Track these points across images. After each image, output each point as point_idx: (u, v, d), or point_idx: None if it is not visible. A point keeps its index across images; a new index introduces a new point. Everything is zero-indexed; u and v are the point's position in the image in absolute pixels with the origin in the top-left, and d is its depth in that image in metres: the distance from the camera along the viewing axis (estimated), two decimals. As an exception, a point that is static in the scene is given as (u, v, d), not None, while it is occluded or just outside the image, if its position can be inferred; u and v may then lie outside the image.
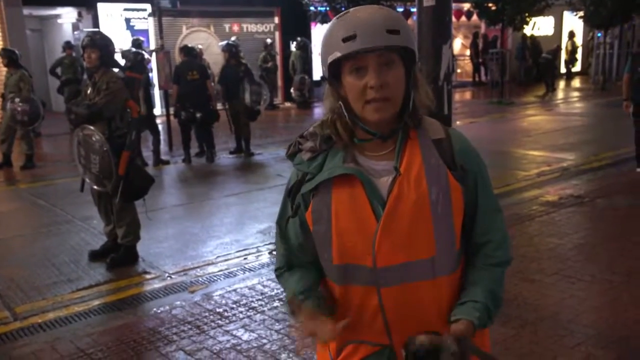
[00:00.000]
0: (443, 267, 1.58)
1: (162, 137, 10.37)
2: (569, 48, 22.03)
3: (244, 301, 4.48)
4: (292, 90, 17.54)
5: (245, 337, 3.91)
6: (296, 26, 17.96)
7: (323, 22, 17.75)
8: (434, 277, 1.57)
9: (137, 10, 16.21)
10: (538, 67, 21.18)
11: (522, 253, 5.14)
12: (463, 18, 22.44)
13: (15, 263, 5.52)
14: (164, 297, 4.65)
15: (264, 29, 18.45)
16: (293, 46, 17.67)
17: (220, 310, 4.34)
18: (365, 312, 1.60)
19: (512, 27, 17.77)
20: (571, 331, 3.80)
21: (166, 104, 11.11)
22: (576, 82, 23.11)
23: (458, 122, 12.80)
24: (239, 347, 3.78)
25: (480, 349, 1.58)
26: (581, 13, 19.56)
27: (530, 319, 3.98)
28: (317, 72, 16.27)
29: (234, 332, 3.98)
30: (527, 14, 17.41)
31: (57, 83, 13.65)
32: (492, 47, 21.00)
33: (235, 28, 17.91)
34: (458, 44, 24.03)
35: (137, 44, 10.97)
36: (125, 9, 16.12)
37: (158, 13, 11.51)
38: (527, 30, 20.19)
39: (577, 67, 23.81)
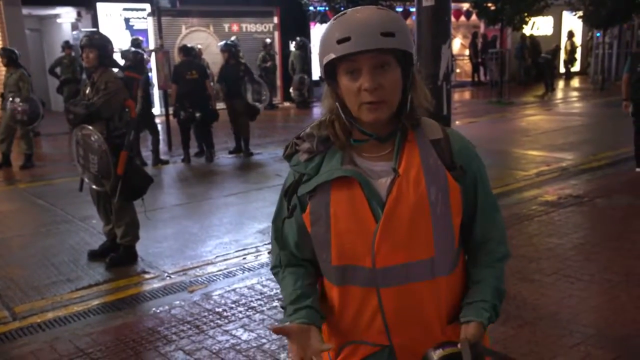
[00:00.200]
0: (442, 267, 1.58)
1: (161, 136, 10.37)
2: (568, 48, 22.04)
3: (243, 301, 4.48)
4: (291, 90, 17.54)
5: (245, 336, 3.92)
6: (295, 26, 17.96)
7: (322, 22, 17.75)
8: (433, 278, 1.57)
9: (137, 10, 16.21)
10: (537, 67, 21.18)
11: (522, 253, 5.14)
12: (462, 18, 22.46)
13: (15, 263, 5.52)
14: (163, 297, 4.65)
15: (263, 29, 18.45)
16: (292, 46, 17.67)
17: (220, 310, 4.34)
18: (364, 312, 1.60)
19: (512, 27, 17.77)
20: (570, 331, 3.80)
21: (165, 103, 11.10)
22: (575, 82, 23.12)
23: (457, 122, 12.80)
24: (238, 347, 3.78)
25: (493, 350, 1.60)
26: (580, 13, 19.55)
27: (530, 318, 3.99)
28: (316, 72, 16.26)
29: (233, 332, 3.98)
30: (526, 14, 17.41)
31: (57, 83, 13.64)
32: (491, 47, 21.00)
33: (235, 28, 17.91)
34: (457, 43, 24.03)
35: (136, 43, 10.96)
36: (125, 9, 16.12)
37: (157, 13, 11.50)
38: (527, 30, 20.19)
39: (576, 67, 23.82)
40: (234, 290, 4.70)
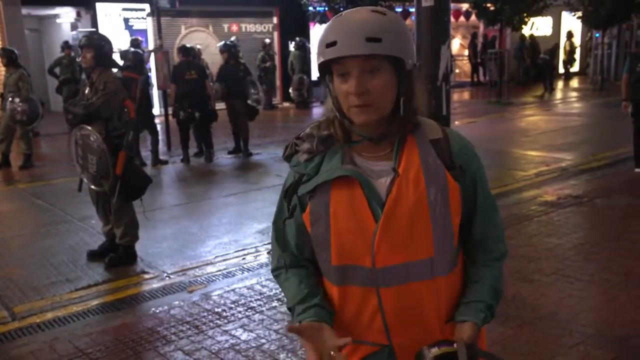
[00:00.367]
0: (441, 267, 1.59)
1: (160, 137, 10.37)
2: (567, 48, 22.05)
3: (243, 301, 4.48)
4: (290, 90, 17.55)
5: (244, 337, 3.91)
6: (295, 26, 17.96)
7: (322, 22, 17.76)
8: (432, 277, 1.58)
9: (136, 10, 16.20)
10: (536, 67, 21.20)
11: (521, 253, 5.14)
12: (462, 18, 22.47)
13: (14, 263, 5.52)
14: (163, 297, 4.65)
15: (262, 29, 18.45)
16: (292, 46, 17.67)
17: (219, 310, 4.34)
18: (364, 312, 1.60)
19: (511, 27, 17.78)
20: (569, 331, 3.80)
21: (165, 104, 11.11)
22: (574, 83, 23.14)
23: (457, 122, 12.81)
24: (237, 347, 3.78)
25: (487, 351, 1.62)
26: (579, 13, 19.58)
27: (529, 318, 3.99)
28: (316, 72, 16.28)
29: (233, 332, 3.98)
30: (525, 14, 17.43)
31: (56, 83, 13.63)
32: (490, 47, 21.02)
33: (234, 28, 17.91)
34: (456, 44, 24.05)
35: (135, 44, 10.96)
36: (124, 9, 16.12)
37: (157, 13, 11.50)
38: (526, 31, 20.20)
39: (576, 68, 23.83)
40: (233, 290, 4.70)
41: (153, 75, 12.07)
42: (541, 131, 12.16)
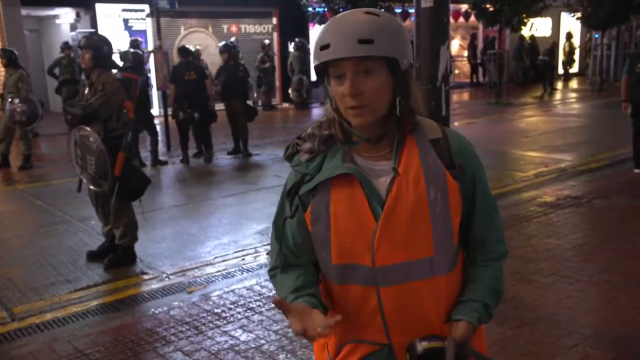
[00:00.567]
0: (441, 266, 1.59)
1: (160, 137, 10.37)
2: (567, 49, 22.08)
3: (242, 302, 4.48)
4: (290, 91, 17.55)
5: (243, 337, 3.92)
6: (294, 27, 17.96)
7: (321, 23, 17.75)
8: (432, 277, 1.58)
9: (135, 10, 16.20)
10: (535, 68, 21.23)
11: (520, 254, 5.15)
12: (461, 19, 22.50)
13: (13, 263, 5.52)
14: (162, 298, 4.65)
15: (262, 30, 18.45)
16: (291, 47, 17.68)
17: (218, 310, 4.34)
18: (364, 311, 1.61)
19: (510, 28, 17.80)
20: (569, 331, 3.81)
21: (164, 104, 11.11)
22: (574, 83, 23.15)
23: (456, 123, 12.82)
24: (236, 348, 3.78)
25: (478, 352, 1.61)
26: (579, 14, 19.61)
27: (528, 319, 3.99)
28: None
29: (232, 333, 3.98)
30: (524, 15, 17.44)
31: (55, 83, 13.64)
32: (490, 48, 21.04)
33: (234, 29, 17.92)
34: (456, 45, 24.07)
35: (135, 44, 10.97)
36: (124, 10, 16.11)
37: (156, 14, 11.50)
38: (526, 32, 20.22)
39: (575, 68, 23.86)
40: (232, 291, 4.70)
41: (153, 76, 12.07)
42: (540, 132, 12.16)
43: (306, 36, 18.16)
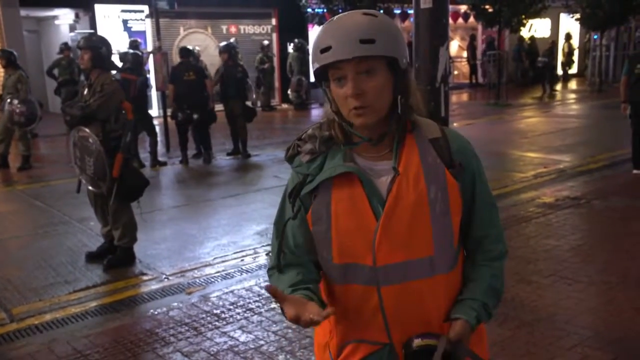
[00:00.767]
0: (441, 266, 1.60)
1: (159, 138, 10.36)
2: (566, 50, 22.10)
3: (241, 303, 4.48)
4: (289, 91, 17.56)
5: (243, 338, 3.91)
6: (293, 28, 17.96)
7: (320, 23, 17.75)
8: (432, 276, 1.59)
9: (135, 11, 16.20)
10: (535, 70, 21.24)
11: (519, 254, 5.15)
12: (460, 20, 22.51)
13: (12, 264, 5.51)
14: (161, 299, 4.64)
15: (261, 31, 18.46)
16: (290, 48, 17.69)
17: (218, 311, 4.34)
18: (365, 311, 1.61)
19: (509, 29, 17.81)
20: (568, 332, 3.81)
21: (163, 105, 11.10)
22: (573, 84, 23.16)
23: (455, 124, 12.84)
24: (236, 349, 3.78)
25: (474, 352, 1.61)
26: (577, 15, 19.62)
27: (527, 320, 3.99)
28: (315, 74, 16.26)
29: (231, 334, 3.98)
30: (523, 16, 17.46)
31: (54, 84, 13.64)
32: (491, 49, 21.05)
33: (233, 29, 17.93)
34: (455, 45, 24.08)
35: (134, 45, 10.97)
36: (123, 11, 16.11)
37: (155, 14, 11.49)
38: (525, 33, 20.23)
39: (574, 69, 23.88)
40: (232, 292, 4.70)
41: (152, 76, 12.07)
42: (539, 133, 12.17)
43: (305, 37, 18.17)
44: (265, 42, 17.54)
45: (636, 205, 6.63)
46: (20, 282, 5.06)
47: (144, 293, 4.80)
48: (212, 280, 4.99)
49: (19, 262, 5.55)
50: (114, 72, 5.63)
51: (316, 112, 16.64)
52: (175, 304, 4.52)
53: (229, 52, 10.28)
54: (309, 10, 17.88)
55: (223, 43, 10.93)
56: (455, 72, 23.46)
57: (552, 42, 21.35)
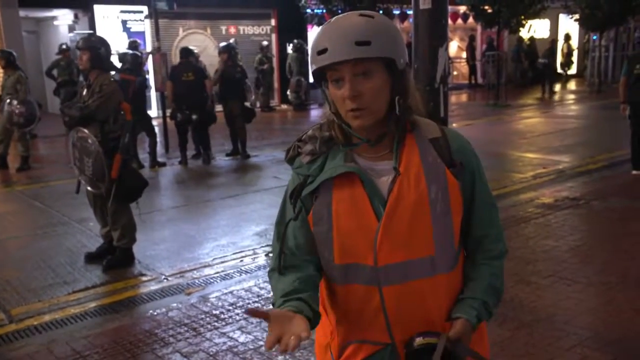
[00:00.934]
0: (442, 265, 1.60)
1: (158, 139, 10.36)
2: (565, 51, 22.10)
3: (241, 303, 4.47)
4: (288, 92, 17.55)
5: (242, 339, 3.91)
6: (293, 28, 17.97)
7: (319, 24, 17.75)
8: (433, 275, 1.59)
9: (134, 12, 16.19)
10: (534, 70, 21.22)
11: (518, 255, 5.15)
12: (459, 21, 22.51)
13: (11, 265, 5.51)
14: (160, 299, 4.64)
15: (260, 31, 18.46)
16: (289, 48, 17.69)
17: (217, 312, 4.34)
18: (366, 311, 1.61)
19: (508, 29, 17.82)
20: (567, 333, 3.81)
21: (163, 105, 11.10)
22: (572, 85, 23.17)
23: (454, 125, 12.84)
24: (235, 349, 3.78)
25: (475, 351, 1.61)
26: (577, 16, 19.62)
27: (526, 320, 3.99)
28: (314, 74, 16.22)
29: (231, 334, 3.98)
30: (522, 17, 17.46)
31: (54, 85, 13.63)
32: (491, 49, 21.05)
33: (232, 30, 17.92)
34: (454, 46, 24.09)
35: (133, 46, 10.96)
36: (122, 11, 16.10)
37: (154, 15, 11.49)
38: (525, 33, 20.22)
39: (573, 70, 23.88)
40: (231, 292, 4.70)
41: (151, 77, 12.07)
42: (539, 133, 12.18)
43: (305, 37, 18.17)
44: (265, 43, 17.55)
45: (635, 206, 6.64)
46: (19, 282, 5.05)
47: (143, 294, 4.80)
48: (212, 280, 4.98)
49: (18, 263, 5.54)
50: (112, 72, 5.62)
51: (315, 113, 16.64)
52: (175, 304, 4.51)
53: (228, 52, 10.28)
54: (308, 10, 17.87)
55: (223, 43, 10.93)
56: (455, 73, 23.46)
57: (552, 40, 21.32)
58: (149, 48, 15.16)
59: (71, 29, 16.15)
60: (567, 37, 21.96)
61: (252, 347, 3.80)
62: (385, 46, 1.50)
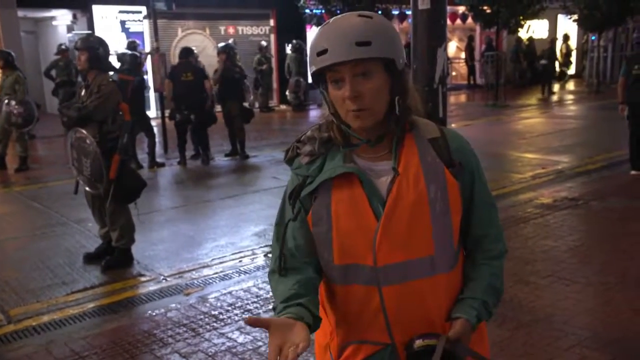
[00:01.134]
0: (442, 265, 1.60)
1: (157, 139, 10.36)
2: (564, 51, 22.12)
3: (239, 304, 4.47)
4: (287, 92, 17.55)
5: (241, 339, 3.91)
6: (292, 29, 17.97)
7: (318, 24, 17.74)
8: (433, 275, 1.59)
9: (133, 12, 16.18)
10: (533, 71, 21.22)
11: (517, 255, 5.15)
12: (458, 21, 22.52)
13: (10, 266, 5.50)
14: (159, 300, 4.64)
15: (259, 32, 18.46)
16: (288, 49, 17.68)
17: (216, 312, 4.34)
18: (366, 311, 1.61)
19: (507, 30, 17.83)
20: (566, 333, 3.81)
21: (161, 106, 11.09)
22: (570, 85, 23.19)
23: (453, 125, 12.83)
24: (234, 350, 3.78)
25: (475, 351, 1.61)
26: (575, 16, 19.63)
27: (525, 320, 3.99)
28: (313, 75, 16.21)
29: (229, 335, 3.98)
30: (521, 17, 17.48)
31: (52, 85, 13.62)
32: (490, 49, 21.07)
33: (231, 30, 17.92)
34: (453, 47, 24.10)
35: (132, 46, 10.96)
36: (121, 11, 16.09)
37: (153, 15, 11.49)
38: (523, 34, 20.23)
39: (572, 70, 23.90)
40: (230, 293, 4.70)
41: (150, 77, 12.06)
42: (537, 134, 12.19)
43: (303, 38, 18.17)
44: (264, 43, 17.55)
45: (634, 206, 6.64)
46: (17, 283, 5.05)
47: (141, 294, 4.79)
48: (210, 281, 4.98)
49: (16, 264, 5.54)
50: (111, 73, 5.62)
51: (314, 113, 16.65)
52: (173, 305, 4.51)
53: (227, 53, 10.28)
54: (307, 11, 17.87)
55: (221, 44, 10.93)
56: (453, 73, 23.47)
57: (552, 39, 21.33)
58: (147, 48, 15.15)
59: (70, 29, 16.14)
60: (566, 38, 21.98)
61: (250, 347, 3.80)
62: (384, 46, 1.50)
